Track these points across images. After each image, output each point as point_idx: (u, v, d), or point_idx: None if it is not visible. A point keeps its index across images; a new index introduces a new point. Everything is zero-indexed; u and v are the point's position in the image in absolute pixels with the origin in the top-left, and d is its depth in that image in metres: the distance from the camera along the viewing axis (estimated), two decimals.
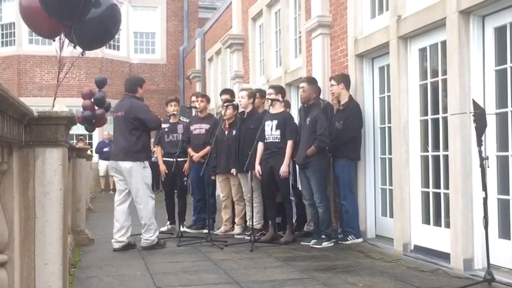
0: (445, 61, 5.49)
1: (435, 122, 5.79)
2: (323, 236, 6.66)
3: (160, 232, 7.43)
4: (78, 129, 11.08)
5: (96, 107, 9.44)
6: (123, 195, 6.70)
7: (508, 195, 4.84)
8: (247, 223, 7.46)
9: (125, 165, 6.57)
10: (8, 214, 2.65)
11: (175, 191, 8.34)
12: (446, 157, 5.45)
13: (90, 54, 7.43)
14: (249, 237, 6.85)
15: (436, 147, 5.81)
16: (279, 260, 5.85)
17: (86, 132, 13.72)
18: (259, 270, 5.31)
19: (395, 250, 6.13)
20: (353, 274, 5.07)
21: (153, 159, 8.28)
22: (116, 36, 16.93)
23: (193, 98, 8.45)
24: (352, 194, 6.87)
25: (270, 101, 7.13)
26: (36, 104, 15.15)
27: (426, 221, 5.93)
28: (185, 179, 8.22)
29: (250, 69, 11.68)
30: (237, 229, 7.75)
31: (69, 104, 16.40)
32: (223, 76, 14.53)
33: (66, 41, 6.95)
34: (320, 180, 6.74)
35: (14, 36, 19.35)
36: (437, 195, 5.78)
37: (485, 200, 4.41)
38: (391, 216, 6.53)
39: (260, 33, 11.47)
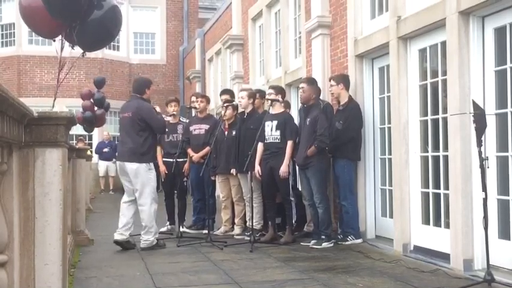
0: (444, 62, 5.49)
1: (435, 122, 5.79)
2: (323, 237, 6.66)
3: (160, 232, 7.43)
4: (77, 129, 11.07)
5: (96, 108, 9.45)
6: (131, 196, 6.73)
7: (508, 195, 4.84)
8: (247, 223, 7.46)
9: (131, 166, 6.59)
10: (8, 214, 2.64)
11: (175, 192, 8.34)
12: (446, 157, 5.45)
13: (90, 54, 7.43)
14: (248, 238, 6.85)
15: (436, 147, 5.81)
16: (278, 260, 5.85)
17: (86, 133, 13.72)
18: (259, 271, 5.31)
19: (395, 250, 6.13)
20: (353, 274, 5.07)
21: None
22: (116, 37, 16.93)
23: (193, 99, 8.45)
24: (352, 195, 6.87)
25: (269, 101, 7.13)
26: (36, 104, 15.14)
27: (426, 221, 5.93)
28: (185, 179, 8.22)
29: (250, 70, 11.68)
30: (237, 229, 7.74)
31: (69, 105, 16.38)
32: (223, 76, 14.53)
33: (67, 42, 6.96)
34: (320, 181, 6.74)
35: (14, 37, 19.35)
36: (437, 196, 5.78)
37: (485, 200, 4.41)
38: (391, 216, 6.53)
39: (260, 33, 11.47)
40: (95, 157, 17.29)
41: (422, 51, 6.02)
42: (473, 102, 4.63)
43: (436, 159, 5.79)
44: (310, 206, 6.93)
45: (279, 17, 10.18)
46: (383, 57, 6.73)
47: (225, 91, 8.68)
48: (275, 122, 7.04)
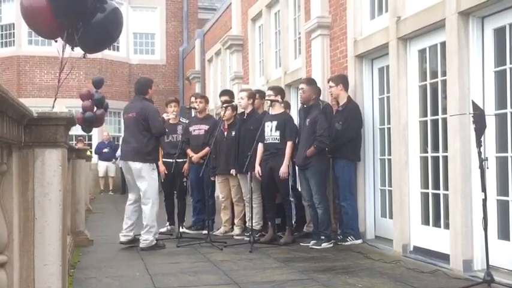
0: (444, 62, 5.49)
1: (435, 123, 5.79)
2: (322, 237, 6.65)
3: (160, 233, 7.43)
4: (77, 129, 11.04)
5: (95, 108, 9.44)
6: (135, 193, 6.79)
7: (508, 196, 4.85)
8: (247, 224, 7.46)
9: (135, 165, 6.65)
10: (8, 215, 2.64)
11: (175, 192, 8.34)
12: (445, 158, 5.45)
13: (89, 55, 7.45)
14: (248, 238, 6.85)
15: (435, 148, 5.81)
16: (278, 261, 5.85)
17: (84, 133, 13.72)
18: (258, 271, 5.31)
19: (394, 251, 6.13)
20: (352, 275, 5.07)
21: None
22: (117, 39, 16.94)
23: (193, 99, 8.46)
24: (351, 195, 6.87)
25: (269, 102, 7.14)
26: (36, 104, 15.13)
27: (426, 222, 5.93)
28: (185, 179, 8.22)
29: (250, 70, 11.69)
30: (237, 230, 7.74)
31: (69, 105, 16.36)
32: (223, 77, 14.53)
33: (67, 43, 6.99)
34: (319, 181, 6.74)
35: (14, 37, 19.34)
36: (436, 196, 5.78)
37: (484, 201, 4.41)
38: (391, 217, 6.53)
39: (260, 34, 11.47)
40: (95, 157, 17.29)
41: (422, 52, 6.02)
42: (473, 103, 4.63)
43: (435, 159, 5.79)
44: (310, 207, 6.93)
45: (279, 18, 10.19)
46: (383, 57, 6.73)
47: (225, 92, 8.68)
48: (275, 123, 7.04)
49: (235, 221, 7.83)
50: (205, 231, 7.41)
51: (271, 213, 7.20)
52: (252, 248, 6.45)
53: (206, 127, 8.07)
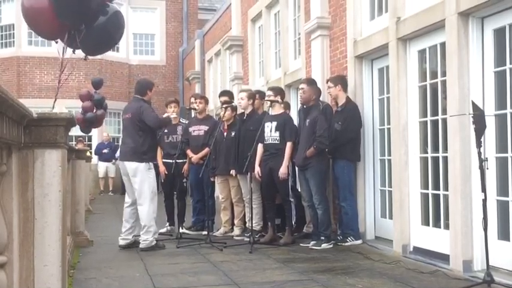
0: (444, 63, 5.49)
1: (434, 123, 5.79)
2: (322, 238, 6.65)
3: (160, 233, 7.43)
4: (77, 130, 11.04)
5: (95, 108, 9.45)
6: (132, 196, 6.79)
7: (507, 196, 4.85)
8: (247, 224, 7.46)
9: (131, 165, 6.67)
10: (7, 215, 2.64)
11: (175, 193, 8.34)
12: (445, 158, 5.45)
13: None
14: (248, 239, 6.84)
15: (435, 148, 5.81)
16: (278, 261, 5.84)
17: (83, 134, 13.72)
18: (258, 272, 5.31)
19: (394, 251, 6.13)
20: (352, 276, 5.07)
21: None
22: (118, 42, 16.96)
23: (192, 100, 8.46)
24: (351, 196, 6.87)
25: (269, 102, 7.14)
26: (36, 105, 15.13)
27: (425, 222, 5.93)
28: (184, 180, 8.22)
29: (250, 71, 11.69)
30: (236, 230, 7.74)
31: (69, 106, 16.33)
32: (223, 77, 14.53)
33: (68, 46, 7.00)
34: (319, 182, 6.73)
35: (14, 38, 19.34)
36: (436, 197, 5.78)
37: (484, 201, 4.41)
38: (391, 217, 6.53)
39: (259, 34, 11.47)
40: (95, 158, 17.29)
41: (422, 52, 6.02)
42: (473, 103, 4.63)
43: (435, 160, 5.79)
44: (310, 207, 6.93)
45: (279, 18, 10.19)
46: (382, 58, 6.73)
47: (224, 92, 8.68)
48: (274, 123, 7.04)
49: (235, 222, 7.82)
50: (205, 232, 7.41)
51: (271, 213, 7.20)
52: (252, 248, 6.44)
53: (206, 128, 8.07)
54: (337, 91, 6.95)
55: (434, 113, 5.78)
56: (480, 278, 4.54)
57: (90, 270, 5.57)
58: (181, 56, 20.72)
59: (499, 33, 4.98)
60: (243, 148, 7.31)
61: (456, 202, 5.15)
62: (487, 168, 4.50)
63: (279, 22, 10.13)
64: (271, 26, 10.71)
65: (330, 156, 6.94)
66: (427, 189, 5.90)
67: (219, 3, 19.56)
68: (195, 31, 19.44)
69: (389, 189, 6.61)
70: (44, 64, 19.04)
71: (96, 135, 18.51)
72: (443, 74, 5.54)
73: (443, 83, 5.52)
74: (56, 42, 7.14)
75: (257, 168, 7.10)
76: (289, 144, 6.93)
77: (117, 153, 15.51)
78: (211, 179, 7.98)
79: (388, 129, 6.56)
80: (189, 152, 8.02)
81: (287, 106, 7.77)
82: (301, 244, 6.84)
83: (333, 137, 6.76)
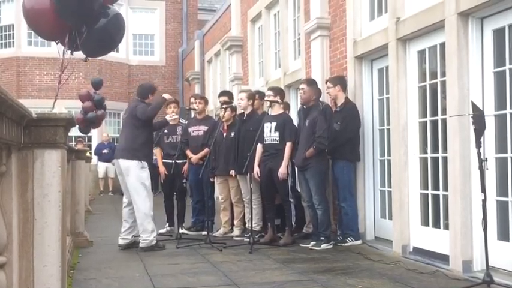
0: (444, 63, 5.49)
1: (434, 123, 5.79)
2: (322, 238, 6.65)
3: (159, 234, 7.43)
4: (76, 130, 11.05)
5: (95, 108, 9.46)
6: (129, 196, 6.78)
7: (507, 197, 4.85)
8: (246, 225, 7.46)
9: (123, 163, 6.68)
10: (7, 216, 2.64)
11: (175, 193, 8.34)
12: (445, 159, 5.45)
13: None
14: (248, 239, 6.84)
15: (435, 149, 5.81)
16: (278, 262, 5.84)
17: (83, 134, 13.72)
18: (258, 272, 5.31)
19: (394, 252, 6.13)
20: (352, 276, 5.07)
21: (152, 161, 8.28)
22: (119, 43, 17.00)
23: (192, 100, 8.46)
24: (351, 196, 6.87)
25: (269, 102, 7.14)
26: (35, 105, 15.12)
27: (425, 222, 5.93)
28: (184, 180, 8.22)
29: (249, 71, 11.69)
30: (236, 231, 7.74)
31: (68, 106, 16.32)
32: (222, 78, 14.53)
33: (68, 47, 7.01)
34: (319, 182, 6.73)
35: (13, 38, 19.34)
36: (436, 197, 5.78)
37: (484, 201, 4.41)
38: (390, 218, 6.53)
39: (259, 35, 11.47)
40: (94, 158, 17.29)
41: (422, 53, 6.02)
42: (473, 104, 4.63)
43: (435, 160, 5.79)
44: (309, 208, 6.93)
45: (278, 19, 10.19)
46: (382, 58, 6.73)
47: (224, 93, 8.69)
48: (274, 124, 7.04)
49: (235, 222, 7.82)
50: (204, 232, 7.40)
51: (270, 214, 7.20)
52: (252, 249, 6.44)
53: (205, 128, 8.07)
54: (336, 91, 6.95)
55: (434, 113, 5.78)
56: (480, 279, 4.54)
57: (89, 270, 5.56)
58: (181, 56, 20.72)
59: (499, 34, 4.98)
60: (242, 148, 7.31)
61: (456, 202, 5.15)
62: (487, 169, 4.50)
63: (279, 22, 10.13)
64: (271, 26, 10.71)
65: (329, 157, 6.94)
66: (427, 189, 5.90)
67: (219, 4, 19.55)
68: (194, 31, 19.44)
69: (389, 189, 6.61)
70: (44, 64, 19.04)
71: (96, 136, 18.50)
72: (443, 74, 5.54)
73: (443, 83, 5.52)
74: (57, 43, 7.15)
75: (256, 169, 7.10)
76: (288, 145, 6.93)
77: None
78: (211, 180, 7.98)
79: (388, 129, 6.56)
80: (188, 152, 8.02)
81: (287, 106, 7.77)
82: (301, 244, 6.84)
83: (332, 137, 6.76)
